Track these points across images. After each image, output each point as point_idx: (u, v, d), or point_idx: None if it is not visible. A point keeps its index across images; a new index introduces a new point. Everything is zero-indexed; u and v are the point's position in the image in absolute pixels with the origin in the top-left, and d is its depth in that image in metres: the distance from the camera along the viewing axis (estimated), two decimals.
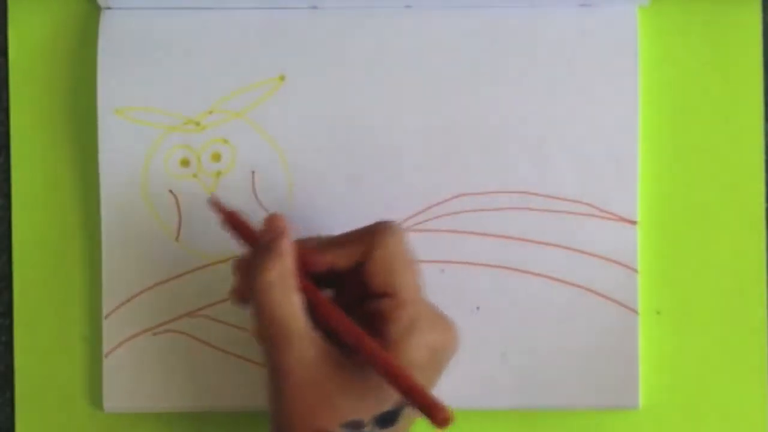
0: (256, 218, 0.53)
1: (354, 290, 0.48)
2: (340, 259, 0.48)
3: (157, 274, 0.54)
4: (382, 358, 0.45)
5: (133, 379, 0.54)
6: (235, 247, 0.54)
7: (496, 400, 0.54)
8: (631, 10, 0.54)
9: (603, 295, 0.54)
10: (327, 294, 0.49)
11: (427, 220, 0.54)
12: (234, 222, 0.49)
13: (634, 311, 0.54)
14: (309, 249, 0.48)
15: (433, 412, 0.43)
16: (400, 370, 0.45)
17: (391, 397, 0.46)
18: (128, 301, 0.54)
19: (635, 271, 0.54)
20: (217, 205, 0.50)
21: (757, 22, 0.55)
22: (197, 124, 0.54)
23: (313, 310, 0.47)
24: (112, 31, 0.54)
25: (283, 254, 0.46)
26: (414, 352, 0.46)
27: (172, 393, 0.54)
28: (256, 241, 0.48)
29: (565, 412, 0.55)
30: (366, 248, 0.47)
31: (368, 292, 0.47)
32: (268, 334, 0.46)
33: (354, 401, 0.46)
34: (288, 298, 0.46)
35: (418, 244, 0.54)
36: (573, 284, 0.54)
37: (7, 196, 0.55)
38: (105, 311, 0.54)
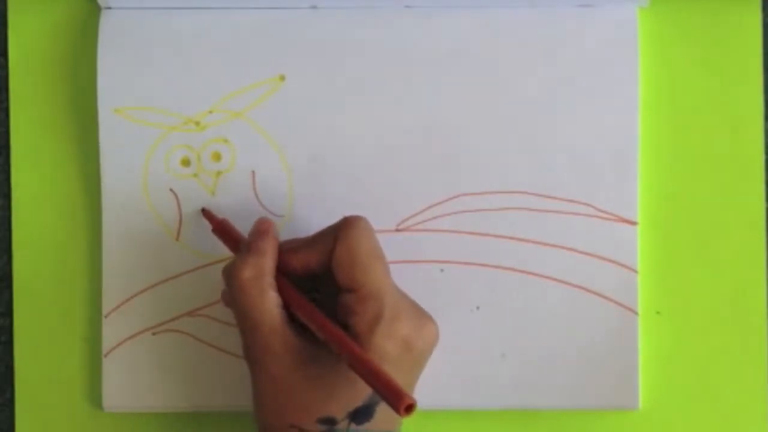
0: (256, 218, 0.54)
1: (334, 287, 0.49)
2: (310, 260, 0.49)
3: (157, 274, 0.54)
4: (348, 350, 0.46)
5: (132, 379, 0.54)
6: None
7: (496, 400, 0.54)
8: (631, 11, 0.54)
9: (603, 296, 0.54)
10: (315, 294, 0.51)
11: (427, 220, 0.54)
12: (223, 230, 0.52)
13: (634, 311, 0.54)
14: (285, 250, 0.49)
15: (396, 399, 0.43)
16: (364, 359, 0.45)
17: (363, 392, 0.47)
18: (128, 300, 0.54)
19: (635, 271, 0.54)
20: (208, 215, 0.53)
21: (757, 22, 0.55)
22: (197, 124, 0.54)
23: (290, 308, 0.48)
24: (112, 31, 0.54)
25: (260, 253, 0.48)
26: (382, 344, 0.47)
27: (172, 393, 0.54)
28: None
29: (565, 412, 0.55)
30: (330, 246, 0.48)
31: (340, 288, 0.48)
32: (244, 330, 0.48)
33: (326, 397, 0.47)
34: (262, 295, 0.47)
35: (418, 244, 0.54)
36: (573, 284, 0.54)
37: (7, 196, 0.55)
38: (105, 311, 0.54)
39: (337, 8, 0.54)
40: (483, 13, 0.54)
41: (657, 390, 0.54)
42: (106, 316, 0.54)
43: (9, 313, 0.56)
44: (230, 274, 0.48)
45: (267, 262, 0.48)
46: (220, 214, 0.54)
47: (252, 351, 0.48)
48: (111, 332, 0.54)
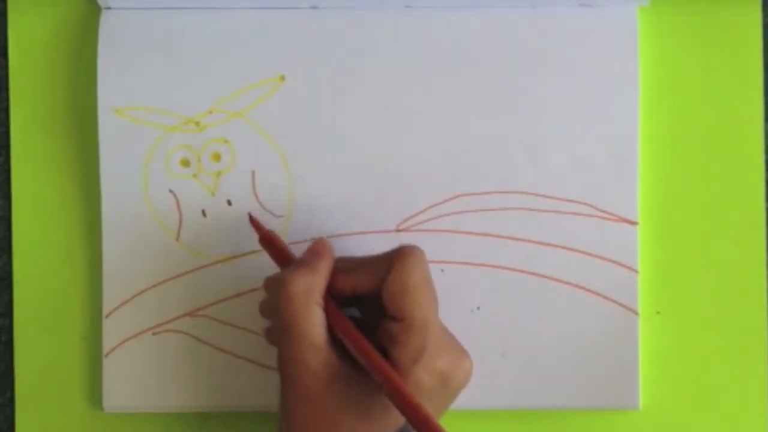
0: (256, 218, 0.54)
1: (378, 312, 0.49)
2: (360, 283, 0.49)
3: (157, 274, 0.54)
4: (389, 380, 0.45)
5: (133, 379, 0.54)
6: (236, 248, 0.54)
7: (496, 400, 0.54)
8: (631, 10, 0.54)
9: (603, 296, 0.54)
10: (353, 312, 0.51)
11: (427, 220, 0.54)
12: (270, 241, 0.51)
13: (634, 311, 0.54)
14: (336, 270, 0.49)
15: None
16: (405, 392, 0.45)
17: (395, 421, 0.47)
18: (128, 301, 0.54)
19: (635, 271, 0.54)
20: (255, 224, 0.52)
21: (757, 22, 0.55)
22: (197, 124, 0.54)
23: (334, 329, 0.48)
24: (112, 31, 0.54)
25: (314, 271, 0.48)
26: (422, 377, 0.47)
27: (172, 393, 0.54)
28: (289, 261, 0.50)
29: (565, 412, 0.55)
30: (383, 273, 0.48)
31: (385, 314, 0.48)
32: (284, 343, 0.47)
33: (357, 421, 0.47)
34: (308, 311, 0.47)
35: (418, 244, 0.54)
36: (573, 284, 0.54)
37: (7, 196, 0.55)
38: (105, 311, 0.54)
39: (337, 8, 0.54)
40: (483, 13, 0.54)
41: (657, 390, 0.54)
42: (106, 316, 0.54)
43: (9, 313, 0.56)
44: (279, 285, 0.47)
45: (319, 280, 0.48)
46: (220, 215, 0.54)
47: (290, 365, 0.47)
48: (111, 332, 0.54)
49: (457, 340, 0.50)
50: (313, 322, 0.47)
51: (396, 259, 0.48)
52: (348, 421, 0.47)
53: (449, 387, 0.48)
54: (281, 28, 0.54)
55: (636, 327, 0.54)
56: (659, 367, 0.54)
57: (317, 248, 0.49)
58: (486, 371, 0.54)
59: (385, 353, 0.47)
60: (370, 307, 0.49)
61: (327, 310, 0.48)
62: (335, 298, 0.49)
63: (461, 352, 0.49)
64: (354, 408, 0.47)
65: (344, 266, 0.49)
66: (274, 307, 0.48)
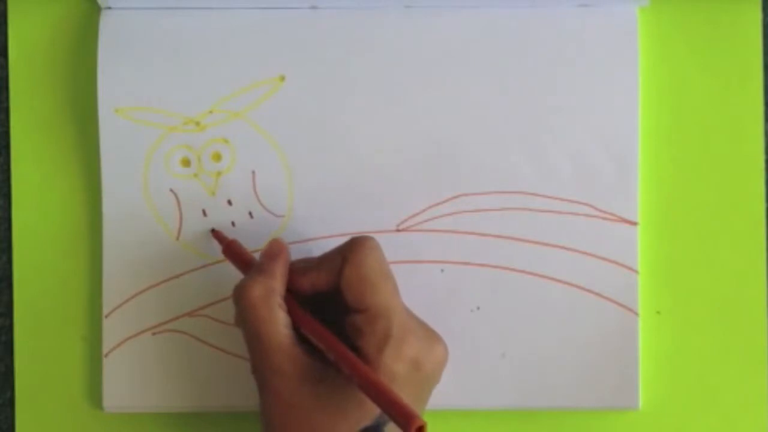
0: (256, 218, 0.54)
1: (342, 307, 0.49)
2: (319, 280, 0.49)
3: (157, 274, 0.54)
4: (358, 371, 0.46)
5: (132, 379, 0.54)
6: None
7: (496, 400, 0.54)
8: (631, 10, 0.54)
9: (603, 296, 0.54)
10: (323, 314, 0.50)
11: (427, 220, 0.54)
12: (233, 251, 0.52)
13: (634, 312, 0.54)
14: (293, 271, 0.49)
15: (406, 421, 0.43)
16: (374, 380, 0.45)
17: (372, 412, 0.47)
18: (128, 301, 0.54)
19: (635, 271, 0.54)
20: (218, 236, 0.52)
21: (757, 22, 0.55)
22: (197, 124, 0.54)
23: (300, 329, 0.48)
24: (112, 31, 0.54)
25: (270, 274, 0.48)
26: (391, 365, 0.47)
27: (172, 393, 0.54)
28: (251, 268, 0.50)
29: (565, 412, 0.55)
30: (339, 266, 0.48)
31: (348, 309, 0.48)
32: (252, 349, 0.48)
33: (334, 417, 0.47)
34: (271, 314, 0.47)
35: (418, 244, 0.54)
36: (573, 284, 0.54)
37: (7, 196, 0.55)
38: (105, 311, 0.54)
39: (337, 8, 0.54)
40: (483, 13, 0.54)
41: (657, 390, 0.54)
42: (106, 316, 0.54)
43: (9, 313, 0.56)
44: (239, 293, 0.48)
45: (276, 283, 0.48)
46: (220, 215, 0.54)
47: (260, 370, 0.48)
48: (111, 332, 0.54)
49: (427, 326, 0.50)
50: (276, 324, 0.47)
51: (349, 251, 0.48)
52: (324, 418, 0.47)
53: (422, 372, 0.48)
54: (281, 28, 0.54)
55: (636, 327, 0.54)
56: (659, 367, 0.54)
57: (271, 250, 0.50)
58: (486, 371, 0.54)
59: (355, 348, 0.47)
60: (337, 306, 0.49)
61: (290, 311, 0.48)
62: (298, 299, 0.49)
63: (433, 337, 0.49)
64: (329, 404, 0.47)
65: (302, 266, 0.49)
66: (239, 315, 0.48)
